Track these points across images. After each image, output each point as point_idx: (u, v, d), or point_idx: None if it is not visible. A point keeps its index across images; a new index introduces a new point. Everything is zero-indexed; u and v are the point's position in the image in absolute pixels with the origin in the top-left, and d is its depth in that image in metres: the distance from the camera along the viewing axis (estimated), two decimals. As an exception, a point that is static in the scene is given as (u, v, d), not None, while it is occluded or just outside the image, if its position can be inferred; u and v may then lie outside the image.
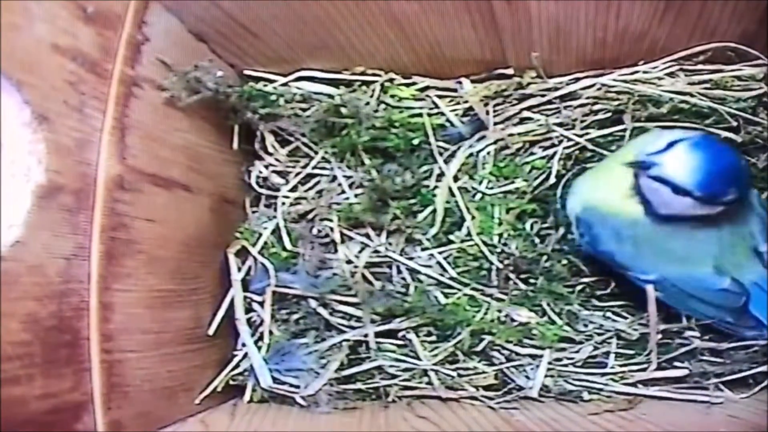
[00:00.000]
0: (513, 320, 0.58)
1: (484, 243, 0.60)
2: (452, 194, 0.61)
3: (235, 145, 0.62)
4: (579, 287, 0.60)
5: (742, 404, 0.53)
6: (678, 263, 0.54)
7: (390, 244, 0.62)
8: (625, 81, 0.60)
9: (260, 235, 0.62)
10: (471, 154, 0.62)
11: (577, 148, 0.62)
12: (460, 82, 0.62)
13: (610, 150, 0.61)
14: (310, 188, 0.64)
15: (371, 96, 0.62)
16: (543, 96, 0.61)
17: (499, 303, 0.59)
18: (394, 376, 0.59)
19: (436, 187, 0.62)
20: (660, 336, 0.55)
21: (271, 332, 0.60)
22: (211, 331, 0.58)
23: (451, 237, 0.61)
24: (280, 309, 0.61)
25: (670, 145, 0.51)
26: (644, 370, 0.56)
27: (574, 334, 0.58)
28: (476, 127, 0.62)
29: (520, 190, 0.62)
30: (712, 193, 0.50)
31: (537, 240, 0.62)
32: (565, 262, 0.61)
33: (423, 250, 0.61)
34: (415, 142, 0.62)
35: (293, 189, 0.64)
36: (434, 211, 0.61)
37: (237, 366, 0.60)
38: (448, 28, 0.55)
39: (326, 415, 0.56)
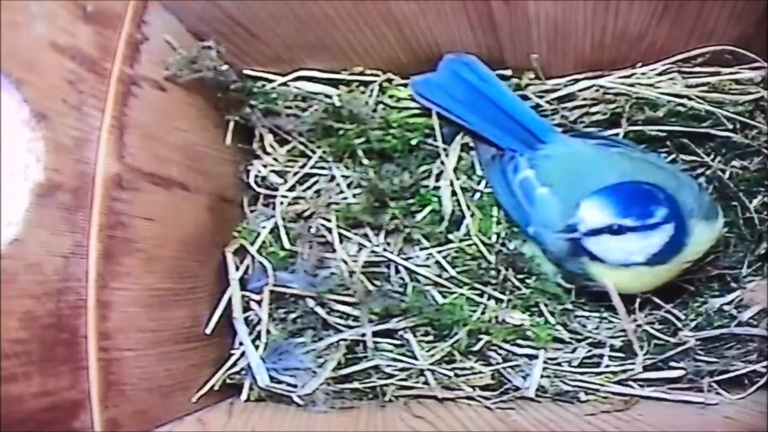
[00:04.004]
0: (506, 322, 0.58)
1: (482, 242, 0.60)
2: (453, 193, 0.61)
3: (229, 140, 0.62)
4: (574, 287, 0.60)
5: (738, 405, 0.53)
6: None
7: (388, 244, 0.62)
8: (622, 83, 0.60)
9: (258, 234, 0.62)
10: (465, 146, 0.62)
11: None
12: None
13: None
14: (309, 188, 0.64)
15: (369, 96, 0.62)
16: (541, 97, 0.62)
17: (496, 303, 0.60)
18: (391, 376, 0.59)
19: (436, 187, 0.62)
20: (640, 328, 0.56)
21: (268, 331, 0.60)
22: (208, 330, 0.58)
23: (450, 236, 0.61)
24: (278, 308, 0.61)
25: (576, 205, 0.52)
26: (642, 369, 0.56)
27: (569, 334, 0.58)
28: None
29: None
30: (639, 214, 0.51)
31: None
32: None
33: (421, 249, 0.61)
34: (413, 142, 0.62)
35: (291, 188, 0.64)
36: (433, 210, 0.62)
37: (234, 365, 0.60)
38: (446, 28, 0.56)
39: (323, 414, 0.56)
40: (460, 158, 0.62)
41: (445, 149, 0.62)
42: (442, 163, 0.62)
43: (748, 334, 0.55)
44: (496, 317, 0.59)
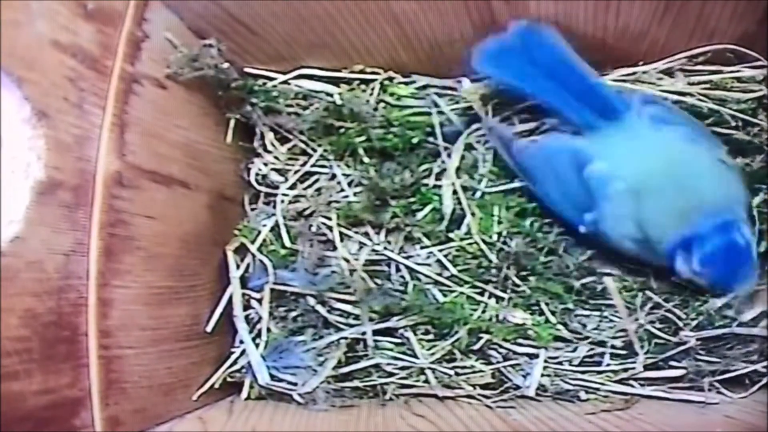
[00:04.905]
0: (508, 321, 0.58)
1: (483, 241, 0.60)
2: (454, 192, 0.61)
3: (229, 138, 0.62)
4: (575, 286, 0.60)
5: (739, 404, 0.53)
6: None
7: (389, 242, 0.62)
8: (624, 81, 0.60)
9: (259, 232, 0.62)
10: (466, 145, 0.62)
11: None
12: (459, 81, 0.62)
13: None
14: (309, 186, 0.64)
15: (370, 94, 0.62)
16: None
17: (497, 302, 0.60)
18: (391, 374, 0.59)
19: (436, 186, 0.62)
20: (641, 327, 0.56)
21: (269, 329, 0.60)
22: (209, 328, 0.58)
23: (451, 235, 0.61)
24: (279, 306, 0.61)
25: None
26: (642, 369, 0.56)
27: (570, 333, 0.58)
28: (469, 118, 0.62)
29: (520, 188, 0.61)
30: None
31: (540, 236, 0.61)
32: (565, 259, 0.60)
33: (422, 248, 0.61)
34: (415, 140, 0.62)
35: (292, 187, 0.64)
36: (434, 209, 0.61)
37: (235, 363, 0.60)
38: (447, 27, 0.56)
39: (323, 412, 0.56)
40: (462, 157, 0.62)
41: (446, 148, 0.62)
42: (444, 161, 0.62)
43: (749, 334, 0.55)
44: (497, 316, 0.59)
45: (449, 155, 0.62)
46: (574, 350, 0.58)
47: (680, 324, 0.56)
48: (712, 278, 0.51)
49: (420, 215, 0.62)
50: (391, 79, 0.63)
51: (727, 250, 0.50)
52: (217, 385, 0.58)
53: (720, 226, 0.50)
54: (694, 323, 0.57)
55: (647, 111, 0.54)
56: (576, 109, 0.55)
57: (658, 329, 0.57)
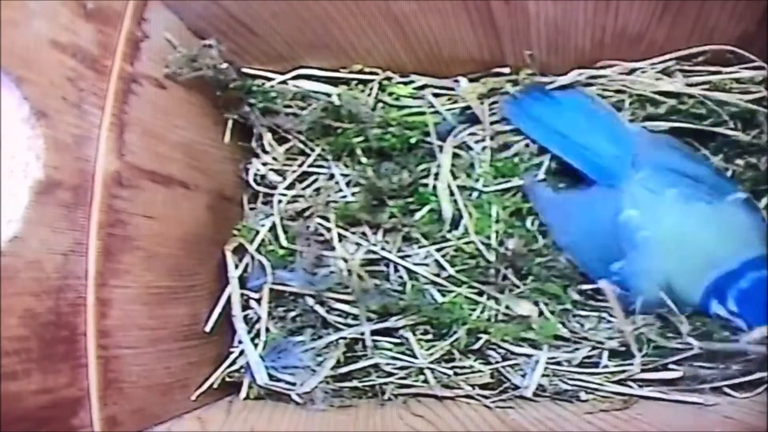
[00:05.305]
0: (512, 316, 0.58)
1: (481, 242, 0.60)
2: (451, 193, 0.61)
3: (227, 138, 0.62)
4: (574, 287, 0.60)
5: (738, 405, 0.53)
6: None
7: (387, 242, 0.62)
8: (623, 81, 0.60)
9: (257, 232, 0.62)
10: (464, 145, 0.62)
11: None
12: (457, 81, 0.62)
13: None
14: (308, 186, 0.64)
15: (369, 95, 0.62)
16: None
17: (495, 302, 0.59)
18: (390, 374, 0.59)
19: (435, 186, 0.62)
20: (638, 331, 0.56)
21: (267, 329, 0.60)
22: (207, 328, 0.58)
23: (448, 235, 0.61)
24: (277, 306, 0.61)
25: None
26: (640, 370, 0.56)
27: (569, 333, 0.58)
28: (467, 118, 0.62)
29: (517, 188, 0.61)
30: None
31: (540, 236, 0.61)
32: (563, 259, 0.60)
33: (420, 248, 0.61)
34: (413, 140, 0.62)
35: (290, 187, 0.64)
36: (432, 209, 0.61)
37: (233, 363, 0.60)
38: (446, 27, 0.56)
39: (322, 412, 0.56)
40: (459, 156, 0.62)
41: (440, 146, 0.62)
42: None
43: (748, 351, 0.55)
44: (497, 316, 0.59)
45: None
46: (573, 351, 0.58)
47: (681, 330, 0.56)
48: (749, 316, 0.52)
49: (418, 215, 0.62)
50: (389, 78, 0.63)
51: (760, 286, 0.51)
52: (215, 385, 0.58)
53: (747, 264, 0.52)
54: (693, 329, 0.56)
55: (645, 177, 0.55)
56: (591, 166, 0.58)
57: (657, 334, 0.56)
